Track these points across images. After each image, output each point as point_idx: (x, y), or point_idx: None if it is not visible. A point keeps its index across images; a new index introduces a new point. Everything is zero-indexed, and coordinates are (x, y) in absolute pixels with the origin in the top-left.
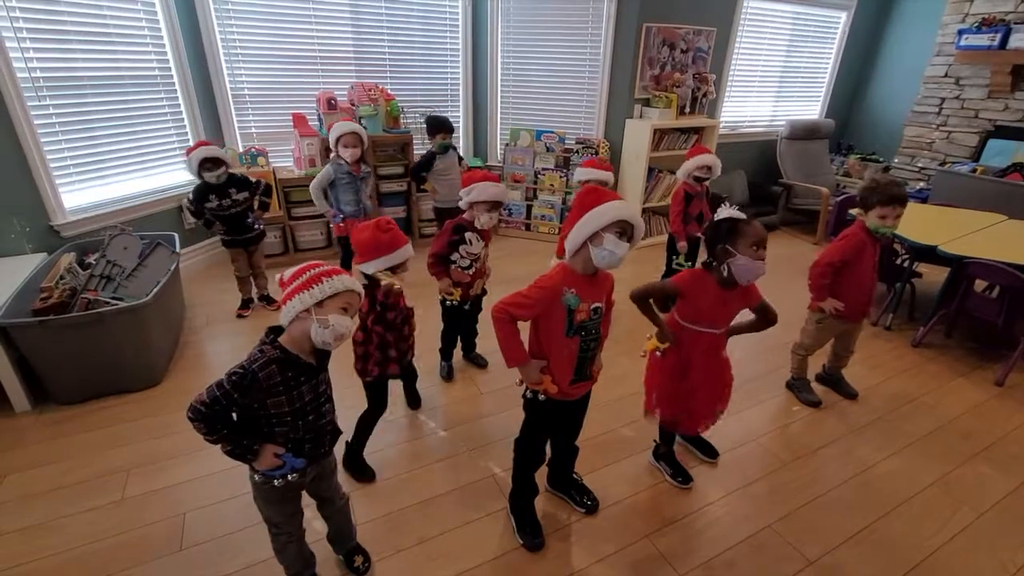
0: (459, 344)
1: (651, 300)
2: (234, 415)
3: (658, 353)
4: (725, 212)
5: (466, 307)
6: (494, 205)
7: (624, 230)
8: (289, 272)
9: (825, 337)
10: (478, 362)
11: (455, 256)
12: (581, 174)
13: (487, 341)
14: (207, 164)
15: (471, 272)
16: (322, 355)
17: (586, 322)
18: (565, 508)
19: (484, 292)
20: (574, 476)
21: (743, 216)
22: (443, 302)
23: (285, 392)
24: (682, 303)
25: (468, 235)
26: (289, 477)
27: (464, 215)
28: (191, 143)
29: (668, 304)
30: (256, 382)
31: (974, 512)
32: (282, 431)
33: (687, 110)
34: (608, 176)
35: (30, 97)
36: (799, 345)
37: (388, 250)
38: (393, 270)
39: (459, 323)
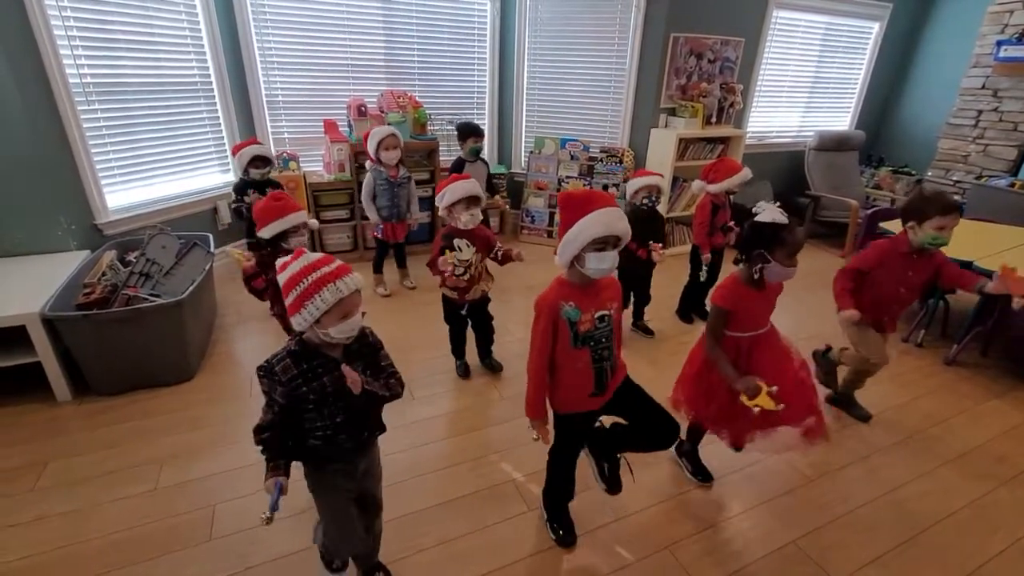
0: (476, 349)
1: (721, 341)
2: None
3: (780, 407)
4: (769, 213)
5: (463, 311)
6: (470, 202)
7: (603, 244)
8: (284, 276)
9: (870, 335)
10: (494, 367)
11: (447, 268)
12: (635, 184)
13: (501, 348)
14: (256, 161)
15: (467, 278)
16: (352, 348)
17: (592, 332)
18: (587, 513)
19: (488, 298)
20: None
21: (786, 221)
22: (444, 301)
23: (305, 383)
24: (732, 319)
25: (457, 242)
26: (267, 514)
27: (450, 224)
28: (227, 147)
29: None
30: (274, 374)
31: (1010, 537)
32: (310, 417)
33: (713, 120)
34: (657, 180)
35: (80, 101)
36: (859, 359)
37: (280, 214)
38: (288, 234)
39: (459, 322)
